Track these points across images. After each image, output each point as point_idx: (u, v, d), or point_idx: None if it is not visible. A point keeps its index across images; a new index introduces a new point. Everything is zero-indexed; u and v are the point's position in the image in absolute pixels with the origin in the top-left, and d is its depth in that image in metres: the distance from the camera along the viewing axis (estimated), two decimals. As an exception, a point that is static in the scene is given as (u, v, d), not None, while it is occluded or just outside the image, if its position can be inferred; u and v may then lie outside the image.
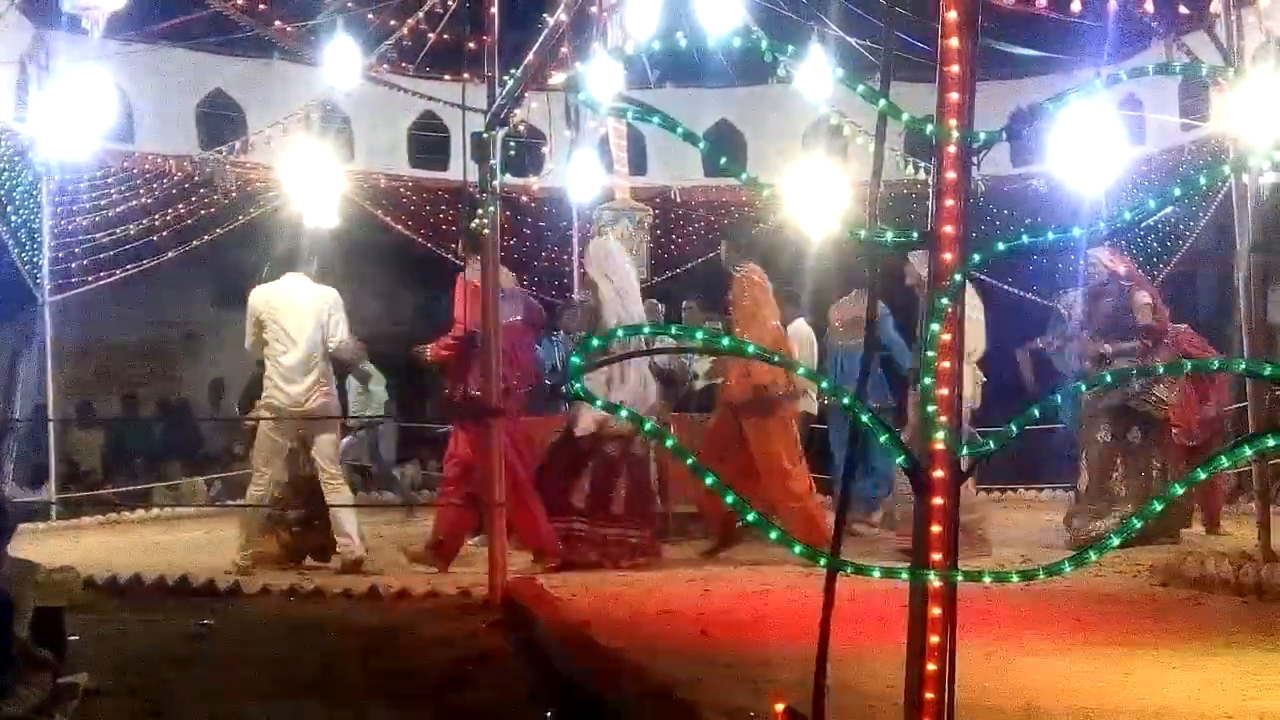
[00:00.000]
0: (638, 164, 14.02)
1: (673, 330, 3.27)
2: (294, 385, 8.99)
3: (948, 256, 2.79)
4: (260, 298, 9.16)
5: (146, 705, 5.11)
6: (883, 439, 2.86)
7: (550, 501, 8.91)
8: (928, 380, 2.76)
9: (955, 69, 2.77)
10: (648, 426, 3.24)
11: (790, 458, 9.19)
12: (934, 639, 2.74)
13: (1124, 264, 10.17)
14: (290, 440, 9.14)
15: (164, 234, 13.64)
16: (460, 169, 9.76)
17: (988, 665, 5.28)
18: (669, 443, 3.19)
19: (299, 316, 9.06)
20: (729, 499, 3.05)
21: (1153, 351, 9.70)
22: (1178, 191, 2.99)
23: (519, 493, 8.61)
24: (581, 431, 8.92)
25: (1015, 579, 3.04)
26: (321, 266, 9.46)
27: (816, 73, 9.59)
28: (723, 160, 3.02)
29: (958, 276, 2.79)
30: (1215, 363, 3.07)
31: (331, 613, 7.32)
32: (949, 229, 2.79)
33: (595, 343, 4.33)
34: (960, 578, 2.79)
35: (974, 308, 9.42)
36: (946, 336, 2.76)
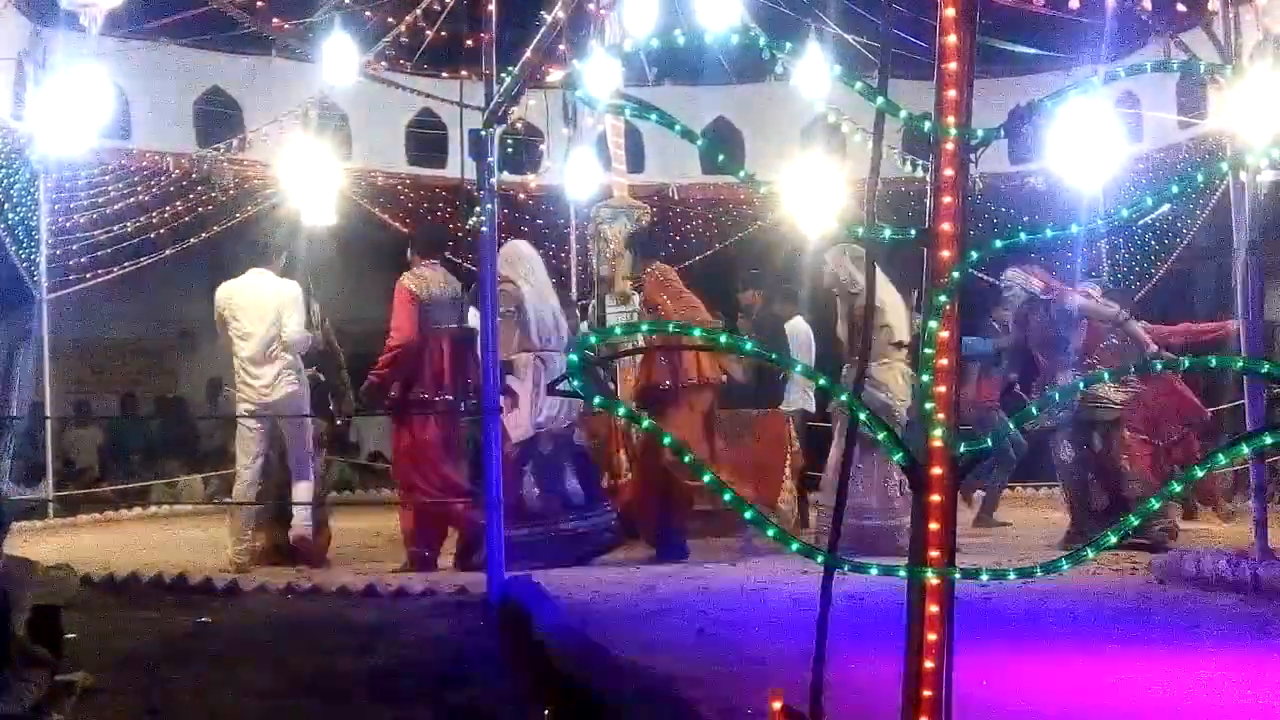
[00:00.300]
0: (635, 161, 14.01)
1: (670, 327, 3.27)
2: (257, 379, 9.13)
3: (945, 254, 2.78)
4: (224, 294, 9.30)
5: (144, 703, 5.11)
6: (880, 436, 2.86)
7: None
8: (925, 378, 2.76)
9: (953, 66, 2.77)
10: (645, 424, 3.23)
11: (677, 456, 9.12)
12: (931, 636, 2.74)
13: (1038, 278, 9.93)
14: (266, 433, 9.25)
15: (161, 232, 13.63)
16: (458, 166, 9.78)
17: (985, 662, 5.28)
18: (666, 440, 3.19)
19: (257, 311, 9.17)
20: (726, 497, 3.05)
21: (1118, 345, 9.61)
22: (1175, 189, 2.98)
23: (453, 492, 8.90)
24: (519, 438, 8.90)
25: (1013, 577, 3.04)
26: (290, 262, 9.59)
27: (814, 70, 9.59)
28: (720, 158, 3.02)
29: (955, 274, 2.78)
30: (1213, 360, 3.07)
31: (329, 610, 7.31)
32: (947, 226, 2.78)
33: (593, 339, 4.31)
34: (958, 575, 2.79)
35: (890, 291, 9.36)
36: (944, 334, 2.76)
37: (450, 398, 8.99)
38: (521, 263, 9.25)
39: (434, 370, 8.96)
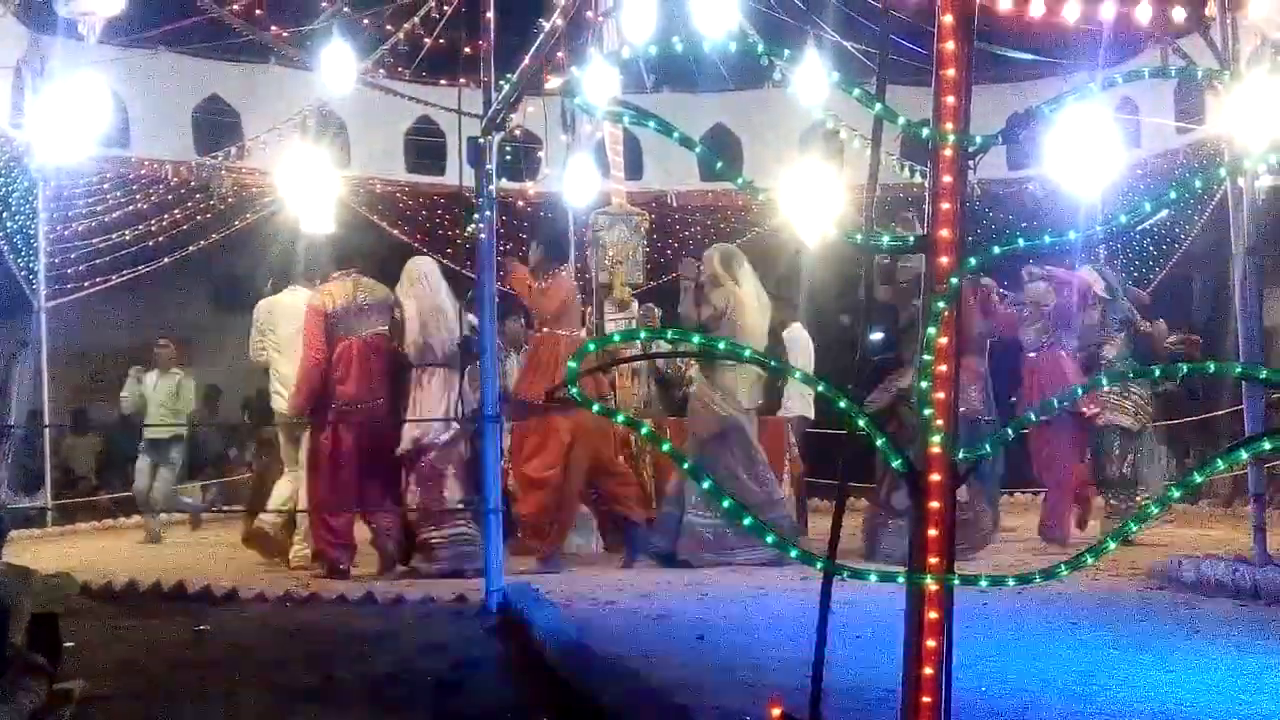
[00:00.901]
0: (633, 168, 14.04)
1: (669, 334, 3.27)
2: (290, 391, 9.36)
3: (944, 260, 2.78)
4: (264, 309, 9.77)
5: (142, 711, 5.10)
6: (879, 442, 2.85)
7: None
8: (924, 384, 2.76)
9: (951, 73, 2.77)
10: (644, 430, 3.22)
11: (535, 465, 9.17)
12: (931, 643, 2.74)
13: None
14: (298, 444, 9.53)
15: (160, 239, 13.66)
16: (457, 174, 9.79)
17: (984, 669, 5.27)
18: (665, 446, 3.18)
19: (295, 327, 9.40)
20: (725, 504, 3.05)
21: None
22: (1174, 194, 2.98)
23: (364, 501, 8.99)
24: (402, 450, 8.97)
25: (1011, 583, 3.03)
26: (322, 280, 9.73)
27: (812, 77, 9.59)
28: (719, 164, 3.02)
29: (954, 280, 2.78)
30: (1212, 365, 3.07)
31: (327, 618, 7.31)
32: (945, 233, 2.78)
33: (591, 346, 4.32)
34: (957, 582, 2.78)
35: (750, 291, 9.45)
36: (943, 340, 2.76)
37: (359, 404, 9.04)
38: (418, 284, 9.30)
39: (340, 377, 9.01)
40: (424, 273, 9.42)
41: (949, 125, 2.77)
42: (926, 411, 2.76)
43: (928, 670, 2.74)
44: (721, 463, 9.12)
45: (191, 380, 12.40)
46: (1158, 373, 3.58)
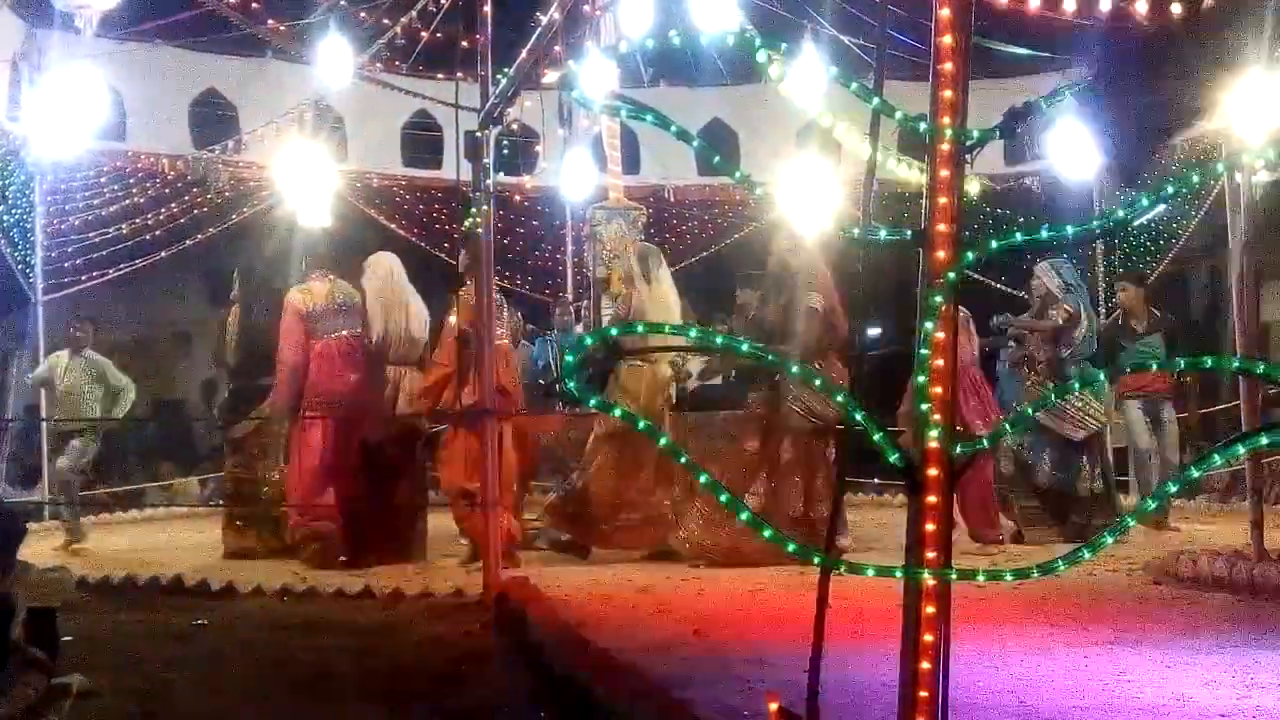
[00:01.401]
0: (631, 163, 14.03)
1: (666, 328, 3.26)
2: None
3: (941, 254, 2.78)
4: None
5: (140, 705, 5.10)
6: (876, 437, 2.85)
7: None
8: (921, 379, 2.76)
9: (949, 67, 2.77)
10: (641, 425, 3.22)
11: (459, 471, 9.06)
12: (928, 637, 2.74)
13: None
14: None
15: (157, 233, 13.65)
16: (454, 168, 9.79)
17: (982, 663, 5.28)
18: (662, 441, 3.19)
19: None
20: (723, 498, 3.05)
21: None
22: (1171, 189, 2.98)
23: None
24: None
25: (1009, 578, 3.04)
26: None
27: (809, 77, 9.60)
28: (716, 159, 3.02)
29: (951, 275, 2.78)
30: (1209, 360, 3.06)
31: (325, 612, 7.30)
32: (943, 227, 2.78)
33: (587, 341, 4.32)
34: (954, 576, 2.78)
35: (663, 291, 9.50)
36: (940, 335, 2.76)
37: (339, 402, 9.16)
38: (383, 282, 9.47)
39: (324, 376, 9.13)
40: (390, 271, 9.54)
41: (946, 120, 2.77)
42: (924, 406, 2.75)
43: (925, 665, 2.74)
44: (609, 461, 9.23)
45: (103, 363, 11.63)
46: (1154, 367, 3.57)
